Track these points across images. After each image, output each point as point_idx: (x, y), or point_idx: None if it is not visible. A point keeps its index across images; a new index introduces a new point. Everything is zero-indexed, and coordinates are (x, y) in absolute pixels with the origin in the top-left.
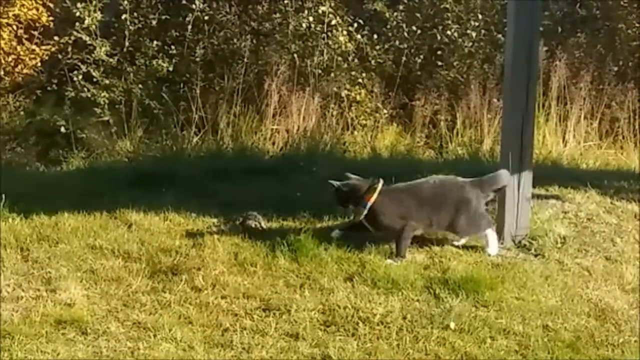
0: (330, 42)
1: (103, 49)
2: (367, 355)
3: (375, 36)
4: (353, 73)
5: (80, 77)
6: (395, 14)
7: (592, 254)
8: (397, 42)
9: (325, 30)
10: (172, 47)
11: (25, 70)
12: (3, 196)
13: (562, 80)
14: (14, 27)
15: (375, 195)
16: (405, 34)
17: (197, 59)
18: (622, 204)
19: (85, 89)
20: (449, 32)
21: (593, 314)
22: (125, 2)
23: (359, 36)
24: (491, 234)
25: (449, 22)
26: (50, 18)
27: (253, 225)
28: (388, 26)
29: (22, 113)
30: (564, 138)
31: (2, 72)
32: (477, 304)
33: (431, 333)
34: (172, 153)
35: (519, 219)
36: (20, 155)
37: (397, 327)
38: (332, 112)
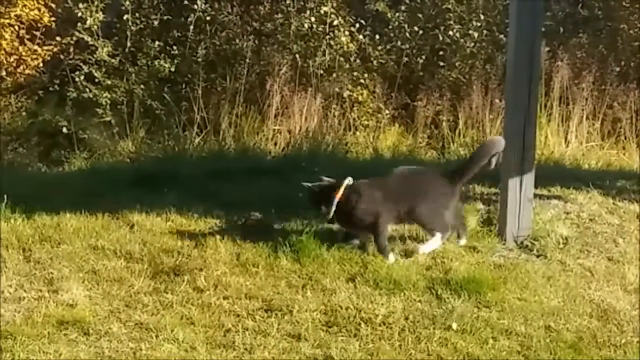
0: (332, 43)
1: (105, 49)
2: (369, 355)
3: (377, 36)
4: (355, 73)
5: (82, 77)
6: (397, 14)
7: (594, 254)
8: (399, 43)
9: (327, 31)
10: (174, 47)
11: (27, 71)
12: (5, 197)
13: (564, 81)
14: (16, 27)
15: (341, 191)
16: (407, 34)
17: (199, 60)
18: (624, 204)
19: (87, 90)
20: (450, 33)
21: (595, 315)
22: (127, 2)
23: (360, 36)
24: (437, 239)
25: (451, 22)
26: (52, 18)
27: (255, 226)
28: (390, 26)
29: (24, 113)
30: (566, 138)
31: (4, 73)
32: (479, 304)
33: (433, 334)
34: (174, 153)
35: (521, 220)
36: (22, 156)
37: (399, 328)
38: (334, 113)
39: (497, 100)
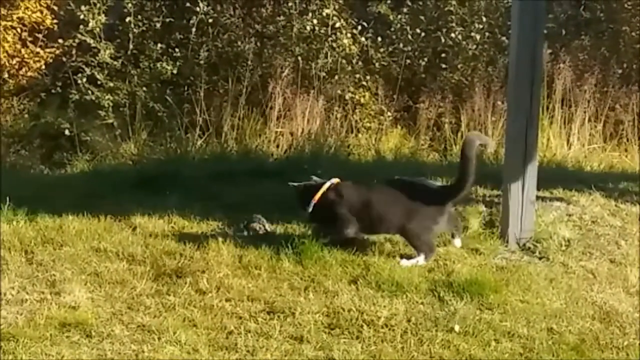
0: (334, 45)
1: (107, 51)
2: (372, 358)
3: (379, 39)
4: (357, 76)
5: (85, 79)
6: (399, 16)
7: (597, 256)
8: (401, 45)
9: (329, 33)
10: (176, 49)
11: (29, 73)
12: (7, 199)
13: (567, 83)
14: (18, 29)
15: (320, 192)
16: (409, 36)
17: (201, 62)
18: (627, 206)
19: (90, 92)
20: (453, 35)
21: (597, 317)
22: (130, 4)
23: (363, 39)
24: (421, 259)
25: (453, 24)
26: (55, 21)
27: (257, 228)
28: (392, 29)
29: (26, 116)
30: (568, 140)
31: (7, 75)
32: (482, 306)
33: (435, 336)
34: (176, 156)
35: (523, 222)
36: (24, 158)
37: (401, 330)
38: (336, 115)
39: (499, 103)
